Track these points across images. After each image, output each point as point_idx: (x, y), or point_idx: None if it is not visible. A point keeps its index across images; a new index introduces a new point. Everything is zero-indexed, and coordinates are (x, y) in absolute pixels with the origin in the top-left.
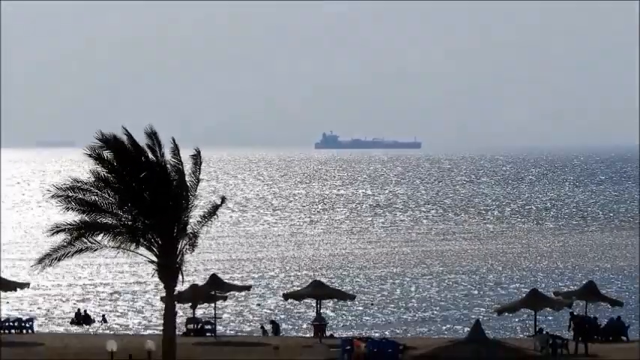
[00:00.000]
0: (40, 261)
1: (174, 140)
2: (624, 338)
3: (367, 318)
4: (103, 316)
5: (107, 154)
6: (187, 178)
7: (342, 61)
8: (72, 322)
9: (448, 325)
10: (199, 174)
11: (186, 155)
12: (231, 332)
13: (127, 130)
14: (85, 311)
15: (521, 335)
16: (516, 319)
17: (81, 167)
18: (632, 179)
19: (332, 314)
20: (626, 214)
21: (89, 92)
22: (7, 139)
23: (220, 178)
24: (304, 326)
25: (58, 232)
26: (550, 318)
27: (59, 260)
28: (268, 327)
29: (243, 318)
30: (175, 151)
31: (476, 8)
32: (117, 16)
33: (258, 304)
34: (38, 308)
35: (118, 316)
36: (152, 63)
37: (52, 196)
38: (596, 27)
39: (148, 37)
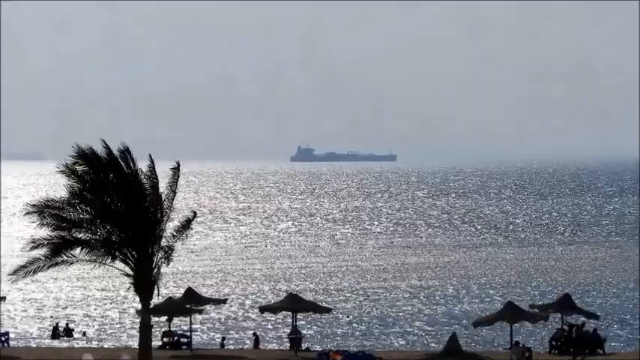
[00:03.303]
0: (15, 273)
1: (150, 156)
2: (600, 351)
3: (343, 331)
4: (84, 332)
5: (81, 168)
6: (164, 192)
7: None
8: (52, 337)
9: (424, 338)
10: (176, 187)
11: (164, 168)
12: (207, 346)
13: (105, 143)
14: (67, 324)
15: (492, 348)
16: (492, 332)
17: (52, 181)
18: (593, 190)
19: (307, 327)
20: (586, 227)
21: (54, 103)
22: None
23: (189, 191)
24: (280, 339)
25: (35, 247)
26: (526, 331)
27: (34, 273)
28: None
29: (219, 331)
30: (151, 165)
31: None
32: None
33: (234, 318)
34: (14, 322)
35: (94, 330)
36: (116, 70)
37: (27, 213)
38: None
39: (112, 43)
